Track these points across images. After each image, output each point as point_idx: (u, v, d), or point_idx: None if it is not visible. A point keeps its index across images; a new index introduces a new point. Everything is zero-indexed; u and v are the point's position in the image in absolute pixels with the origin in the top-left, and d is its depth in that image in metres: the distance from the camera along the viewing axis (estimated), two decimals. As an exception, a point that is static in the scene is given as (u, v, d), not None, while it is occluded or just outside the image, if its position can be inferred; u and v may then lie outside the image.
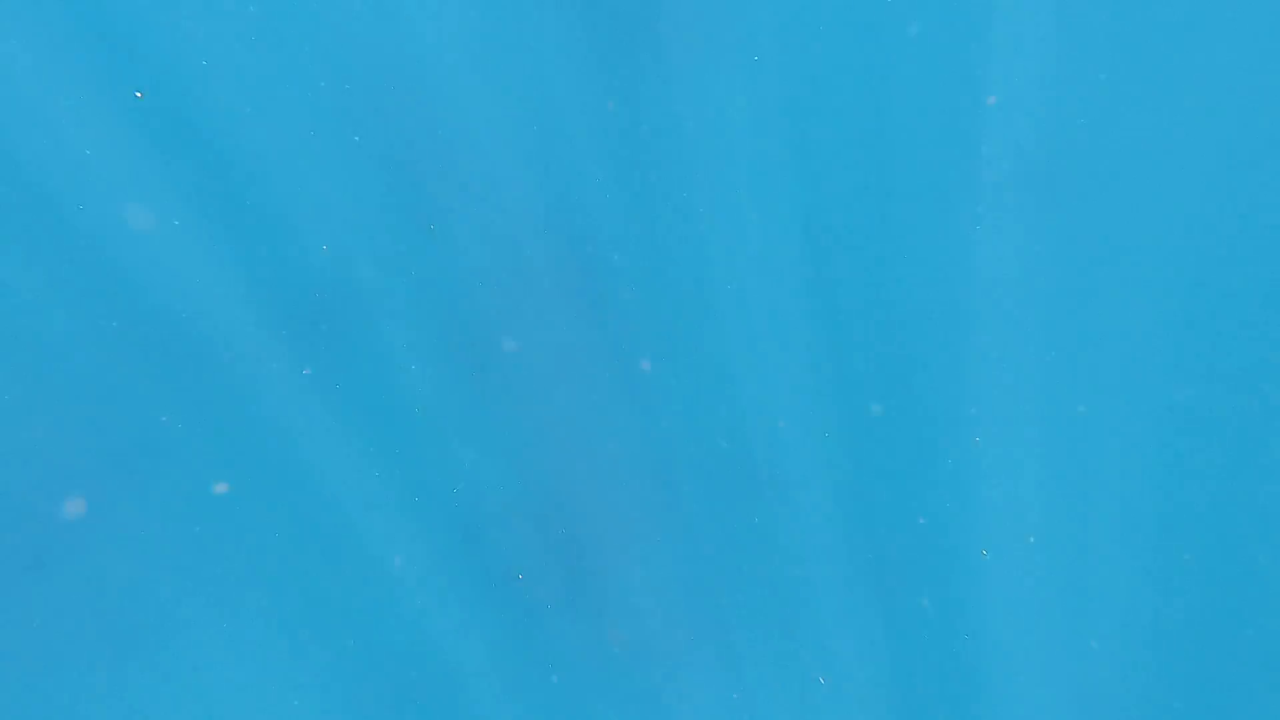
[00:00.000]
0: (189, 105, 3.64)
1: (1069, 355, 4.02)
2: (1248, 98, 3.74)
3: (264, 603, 3.80)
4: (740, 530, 4.16)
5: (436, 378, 3.94)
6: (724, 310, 4.08)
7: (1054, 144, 3.89)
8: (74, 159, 3.55)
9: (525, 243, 3.95)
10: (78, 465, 3.61)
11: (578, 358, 4.03)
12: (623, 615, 4.09)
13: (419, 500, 3.94)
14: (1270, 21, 3.64)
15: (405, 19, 3.78)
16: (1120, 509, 4.06)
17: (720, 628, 4.15)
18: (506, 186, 3.92)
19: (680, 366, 4.08)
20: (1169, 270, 3.90)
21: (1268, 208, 3.78)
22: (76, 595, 3.61)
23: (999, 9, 3.82)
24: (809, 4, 3.86)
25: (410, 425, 3.93)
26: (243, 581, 3.77)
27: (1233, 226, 3.84)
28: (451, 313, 3.93)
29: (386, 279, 3.88)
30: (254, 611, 3.79)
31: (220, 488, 3.74)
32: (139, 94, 3.45)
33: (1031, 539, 4.10)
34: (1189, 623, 4.04)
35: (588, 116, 3.92)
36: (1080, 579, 4.10)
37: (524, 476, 4.02)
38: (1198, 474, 3.96)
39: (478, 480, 3.99)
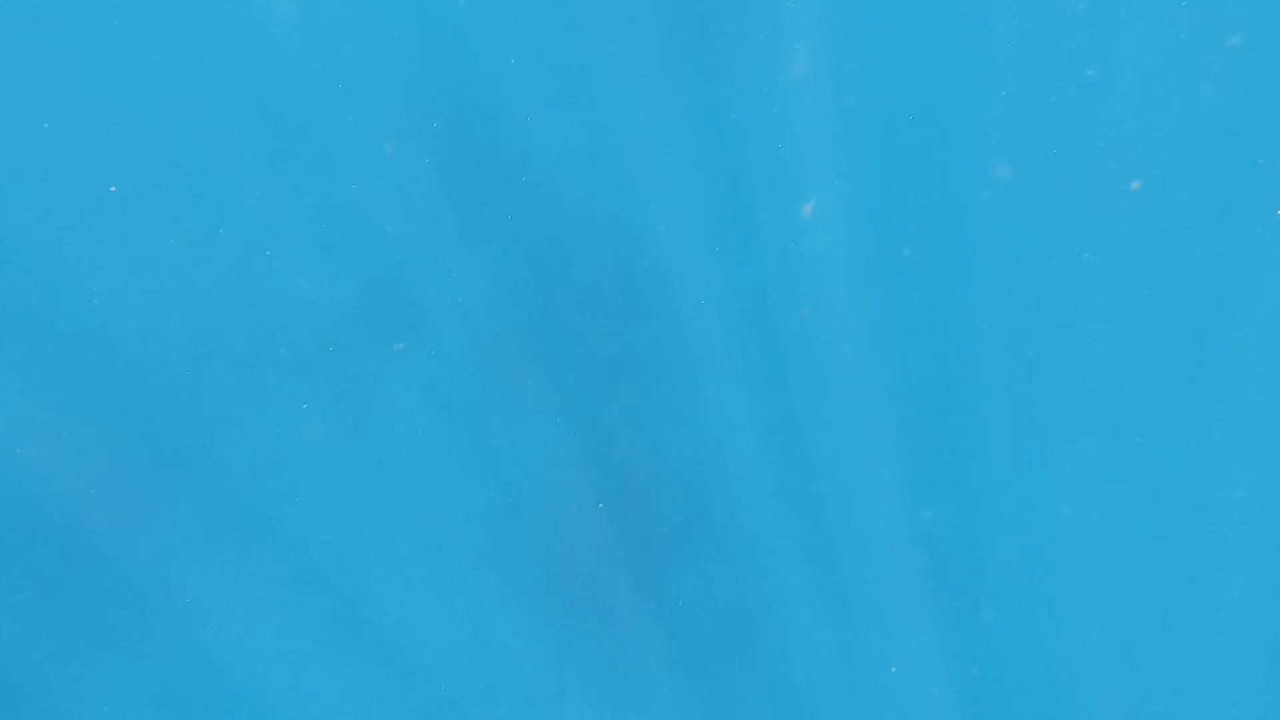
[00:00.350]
0: (230, 113, 3.69)
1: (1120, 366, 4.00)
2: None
3: (301, 606, 3.85)
4: (789, 538, 4.16)
5: (483, 382, 3.96)
6: (776, 318, 4.06)
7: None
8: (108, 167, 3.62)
9: (571, 248, 3.96)
10: (124, 465, 3.69)
11: (624, 364, 4.04)
12: (667, 620, 4.11)
13: (461, 505, 3.97)
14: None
15: (449, 24, 3.79)
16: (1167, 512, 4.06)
17: (760, 634, 4.17)
18: (555, 192, 3.93)
19: (730, 372, 4.08)
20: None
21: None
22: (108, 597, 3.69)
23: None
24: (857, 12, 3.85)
25: (455, 430, 3.95)
26: (273, 584, 3.83)
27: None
28: (497, 318, 3.95)
29: (435, 286, 3.91)
30: (288, 613, 3.84)
31: (263, 494, 3.81)
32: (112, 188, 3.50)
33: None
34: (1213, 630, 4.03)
35: (641, 123, 3.92)
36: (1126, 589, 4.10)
37: (568, 480, 4.04)
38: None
39: (522, 482, 4.01)
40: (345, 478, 3.87)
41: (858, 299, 4.03)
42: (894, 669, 4.17)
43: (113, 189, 3.52)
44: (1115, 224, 3.90)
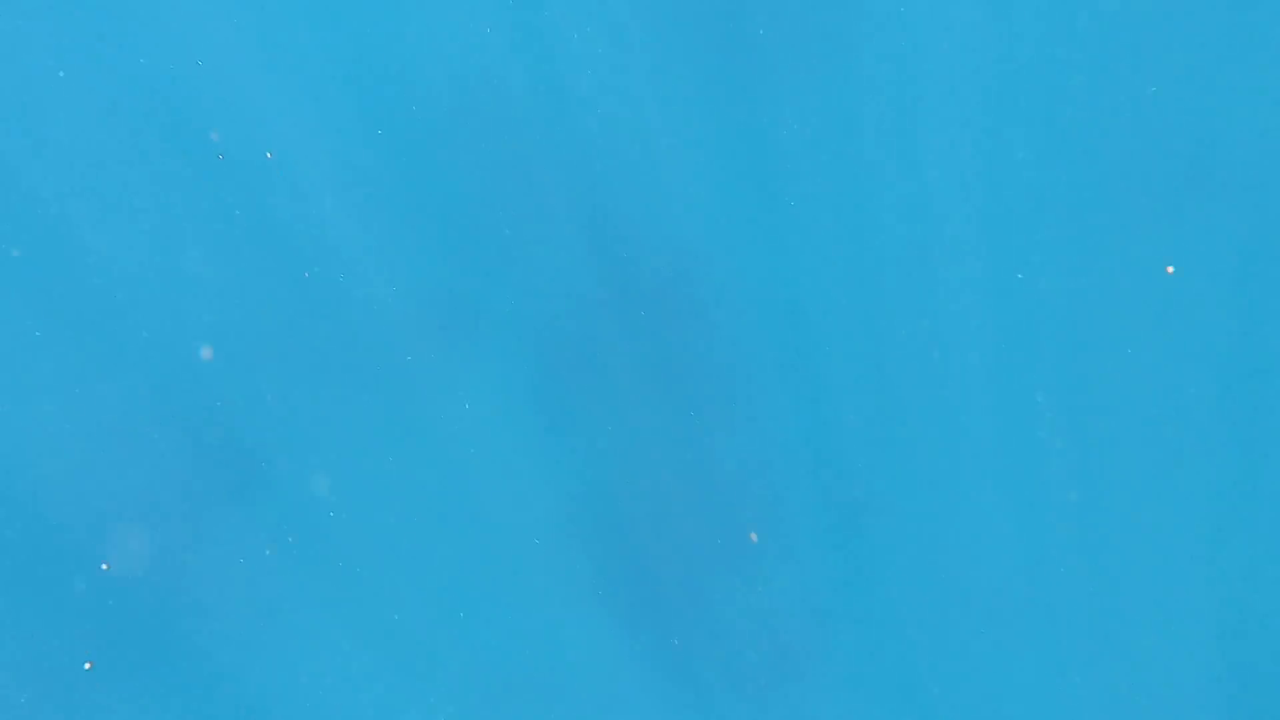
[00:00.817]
0: (274, 112, 3.76)
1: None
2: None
3: (358, 605, 3.89)
4: (848, 547, 4.09)
5: (524, 387, 3.97)
6: (837, 325, 4.00)
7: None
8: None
9: (632, 253, 3.95)
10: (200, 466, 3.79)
11: (681, 369, 4.02)
12: (723, 626, 4.09)
13: (505, 507, 3.99)
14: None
15: (499, 29, 3.81)
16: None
17: (809, 646, 4.12)
18: (615, 198, 3.93)
19: (774, 379, 4.03)
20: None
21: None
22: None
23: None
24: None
25: (511, 433, 3.97)
26: (328, 584, 3.87)
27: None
28: (555, 321, 3.96)
29: (474, 289, 3.93)
30: (344, 612, 3.88)
31: (322, 494, 3.86)
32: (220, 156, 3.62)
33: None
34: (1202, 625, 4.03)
35: (700, 128, 3.90)
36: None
37: (609, 486, 4.03)
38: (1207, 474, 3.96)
39: (579, 486, 4.01)
40: (402, 478, 3.91)
41: (912, 304, 3.98)
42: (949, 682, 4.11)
43: (220, 158, 3.62)
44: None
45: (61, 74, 3.59)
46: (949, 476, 4.04)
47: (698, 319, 3.99)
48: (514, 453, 3.97)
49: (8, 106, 3.59)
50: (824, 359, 4.02)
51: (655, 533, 4.05)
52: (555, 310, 3.95)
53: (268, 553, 3.80)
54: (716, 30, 3.85)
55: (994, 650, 4.08)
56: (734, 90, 3.87)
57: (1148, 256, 3.85)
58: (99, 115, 3.65)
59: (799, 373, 4.03)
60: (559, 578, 4.00)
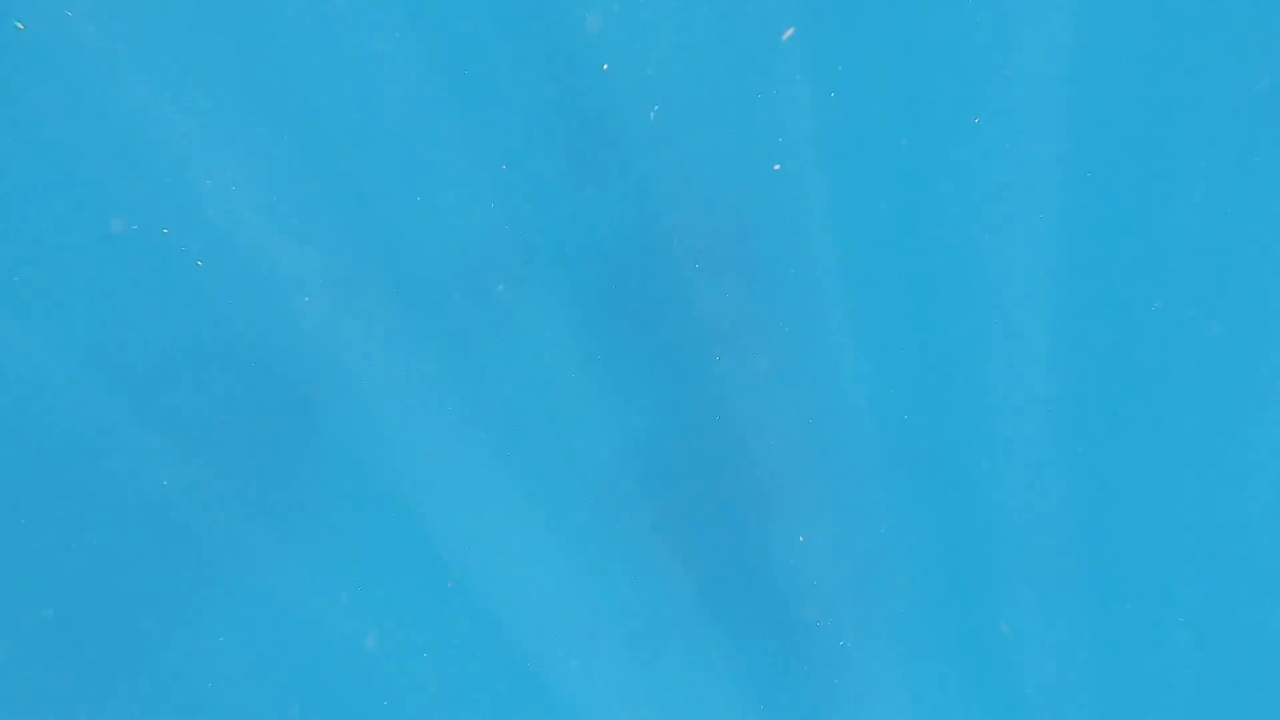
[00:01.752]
0: (369, 94, 3.69)
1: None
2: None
3: (408, 547, 3.93)
4: (901, 506, 4.06)
5: (589, 331, 3.95)
6: (902, 279, 3.93)
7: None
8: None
9: (687, 202, 3.90)
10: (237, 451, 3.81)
11: (734, 320, 3.97)
12: (774, 583, 4.08)
13: (565, 453, 3.99)
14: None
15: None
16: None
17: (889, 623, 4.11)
18: (672, 145, 3.86)
19: (844, 335, 3.99)
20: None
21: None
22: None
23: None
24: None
25: (559, 377, 3.95)
26: (378, 527, 3.91)
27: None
28: (607, 268, 3.91)
29: (545, 233, 3.88)
30: (394, 553, 3.92)
31: (369, 433, 3.86)
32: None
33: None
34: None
35: (762, 79, 3.78)
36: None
37: (671, 434, 4.01)
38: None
39: (626, 434, 4.00)
40: (450, 420, 3.89)
41: (1009, 292, 3.91)
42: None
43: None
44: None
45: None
46: (1008, 444, 4.01)
47: (753, 276, 3.94)
48: (567, 404, 3.98)
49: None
50: (880, 317, 3.99)
51: (706, 485, 4.05)
52: (609, 267, 3.92)
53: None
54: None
55: (1042, 627, 4.12)
56: (794, 51, 3.76)
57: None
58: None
59: (854, 329, 3.99)
60: (611, 527, 4.03)
